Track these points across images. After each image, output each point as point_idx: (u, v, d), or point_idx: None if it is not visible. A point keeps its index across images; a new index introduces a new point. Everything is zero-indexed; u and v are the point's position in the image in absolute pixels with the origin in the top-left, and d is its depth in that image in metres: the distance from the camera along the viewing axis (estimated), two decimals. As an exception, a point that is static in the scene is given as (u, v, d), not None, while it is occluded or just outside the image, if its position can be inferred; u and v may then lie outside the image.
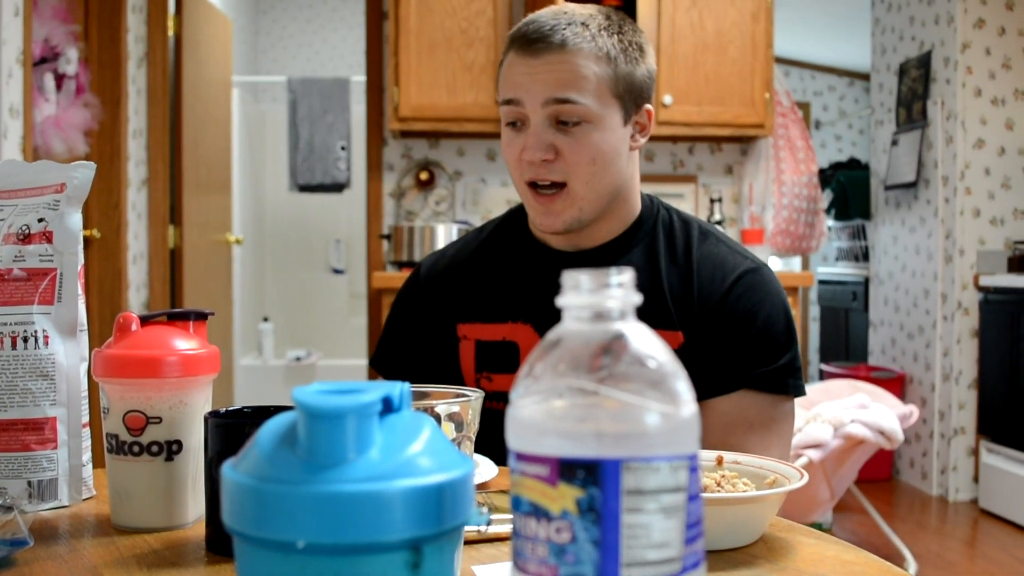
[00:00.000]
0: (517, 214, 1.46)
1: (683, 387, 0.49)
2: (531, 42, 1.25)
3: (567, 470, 0.47)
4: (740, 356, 1.28)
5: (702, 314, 1.30)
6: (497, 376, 1.36)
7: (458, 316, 1.40)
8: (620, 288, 0.50)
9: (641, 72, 1.31)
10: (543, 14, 1.28)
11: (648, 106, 1.33)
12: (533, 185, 1.28)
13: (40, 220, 1.00)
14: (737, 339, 1.29)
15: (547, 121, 1.25)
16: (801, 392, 1.31)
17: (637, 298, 0.50)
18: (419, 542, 0.48)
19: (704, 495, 0.73)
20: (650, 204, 1.40)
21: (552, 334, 0.51)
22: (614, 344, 0.49)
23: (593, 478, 0.47)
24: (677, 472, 0.48)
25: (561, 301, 0.51)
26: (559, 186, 1.27)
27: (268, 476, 0.48)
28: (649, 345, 0.49)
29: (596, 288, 0.50)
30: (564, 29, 1.25)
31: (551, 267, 1.36)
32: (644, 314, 0.58)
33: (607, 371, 0.48)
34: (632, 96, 1.29)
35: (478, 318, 1.39)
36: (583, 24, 1.26)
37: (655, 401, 0.48)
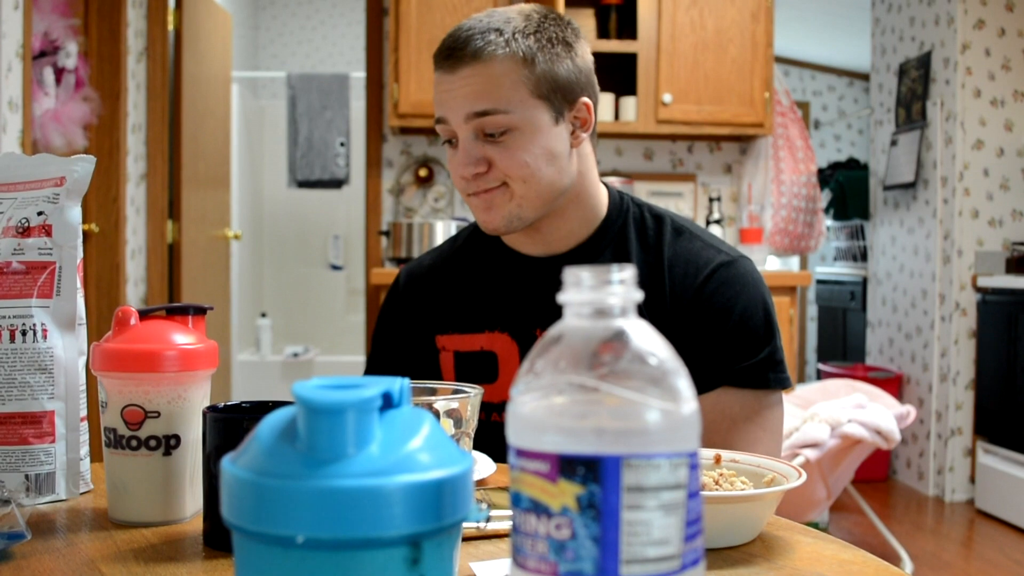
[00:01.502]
0: None
1: (684, 384, 0.49)
2: (446, 58, 1.24)
3: (567, 466, 0.47)
4: (718, 352, 1.26)
5: (676, 312, 1.28)
6: None
7: (436, 328, 1.40)
8: (621, 285, 0.50)
9: (566, 68, 1.25)
10: (463, 24, 1.26)
11: (585, 99, 1.28)
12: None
13: (39, 213, 1.00)
14: (714, 335, 1.27)
15: (473, 135, 1.24)
16: (785, 385, 1.29)
17: (638, 295, 0.50)
18: (418, 538, 0.48)
19: (702, 493, 0.73)
20: (619, 201, 1.37)
21: (553, 330, 0.51)
22: (615, 341, 0.49)
23: (593, 475, 0.47)
24: (677, 469, 0.48)
25: (562, 297, 0.51)
26: (500, 184, 1.26)
27: (267, 471, 0.48)
28: (650, 342, 0.49)
29: (597, 285, 0.50)
30: (477, 38, 1.22)
31: (523, 274, 1.35)
32: None
33: (608, 368, 0.48)
34: (560, 94, 1.25)
35: (455, 329, 1.38)
36: (497, 30, 1.23)
37: (656, 398, 0.48)
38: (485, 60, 1.22)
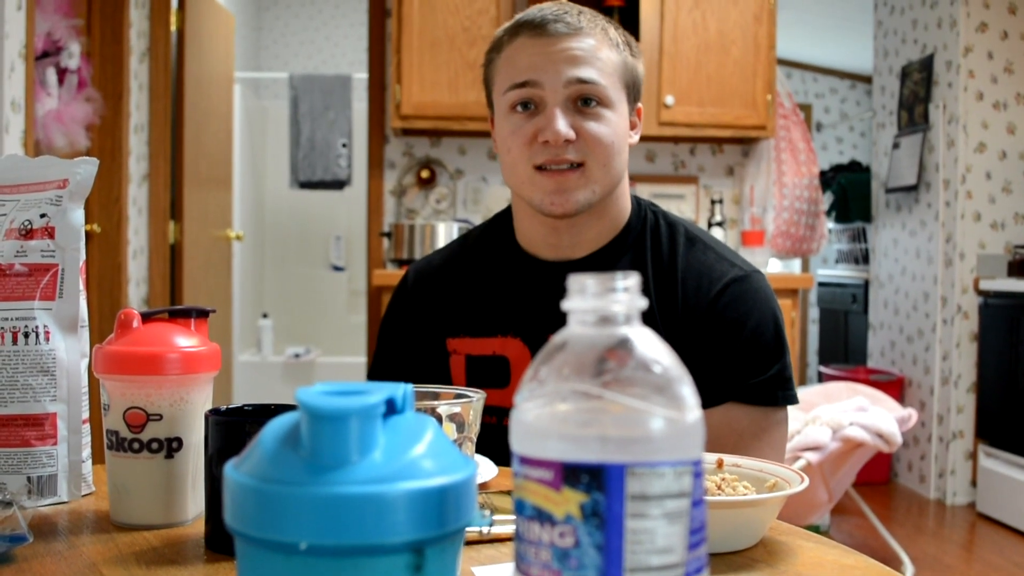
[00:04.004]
0: (501, 222, 1.43)
1: (688, 392, 0.49)
2: (547, 24, 1.26)
3: (571, 474, 0.47)
4: (728, 367, 1.26)
5: (688, 325, 1.28)
6: (488, 391, 1.33)
7: (447, 330, 1.38)
8: (626, 292, 0.50)
9: (641, 68, 1.34)
10: (545, 6, 1.30)
11: (639, 105, 1.36)
12: (542, 168, 1.26)
13: (42, 215, 1.00)
14: (725, 350, 1.27)
15: (566, 102, 1.25)
16: (792, 402, 1.29)
17: (643, 303, 0.50)
18: (421, 544, 0.48)
19: (704, 498, 0.73)
20: (638, 208, 1.38)
21: (557, 337, 0.51)
22: (619, 348, 0.49)
23: (597, 483, 0.46)
24: (681, 477, 0.48)
25: (566, 305, 0.51)
26: (575, 166, 1.26)
27: (271, 477, 0.48)
28: (654, 350, 0.49)
29: (602, 292, 0.50)
30: (577, 15, 1.27)
31: (539, 280, 1.34)
32: None
33: (612, 375, 0.48)
34: (634, 89, 1.32)
35: (467, 332, 1.37)
36: (591, 15, 1.29)
37: (660, 406, 0.47)
38: (587, 34, 1.26)
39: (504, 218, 1.43)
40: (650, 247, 1.34)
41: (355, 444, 0.48)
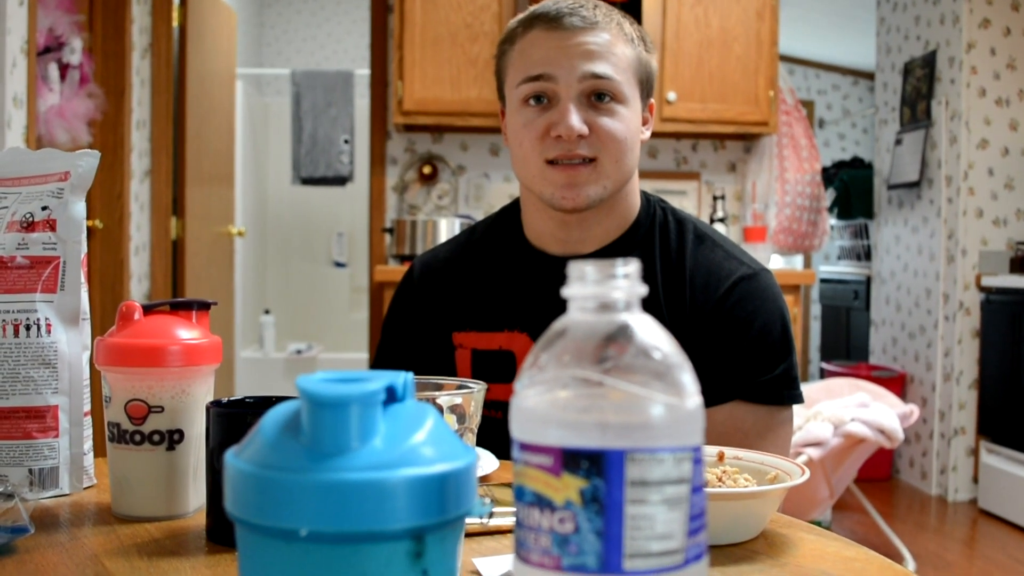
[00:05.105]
0: (508, 216, 1.43)
1: (688, 379, 0.49)
2: (562, 17, 1.25)
3: (571, 460, 0.47)
4: (735, 366, 1.26)
5: (696, 322, 1.28)
6: (493, 385, 1.31)
7: (453, 324, 1.38)
8: (626, 279, 0.50)
9: (654, 63, 1.33)
10: (560, 0, 1.29)
11: (652, 100, 1.35)
12: (553, 162, 1.26)
13: (44, 208, 1.00)
14: (731, 348, 1.27)
15: (580, 97, 1.25)
16: (797, 401, 1.29)
17: (643, 289, 0.50)
18: (421, 531, 0.48)
19: (705, 490, 0.73)
20: (647, 204, 1.38)
21: (557, 324, 0.51)
22: (619, 335, 0.49)
23: (597, 469, 0.47)
24: (681, 464, 0.48)
25: (566, 291, 0.51)
26: (587, 161, 1.25)
27: (271, 464, 0.48)
28: (654, 336, 0.49)
29: (602, 279, 0.50)
30: (593, 9, 1.26)
31: (546, 274, 1.33)
32: None
33: (612, 362, 0.48)
34: (647, 85, 1.31)
35: (473, 326, 1.36)
36: (606, 9, 1.28)
37: (660, 392, 0.48)
38: (603, 29, 1.25)
39: (511, 212, 1.43)
40: (659, 244, 1.33)
41: (355, 431, 0.48)
